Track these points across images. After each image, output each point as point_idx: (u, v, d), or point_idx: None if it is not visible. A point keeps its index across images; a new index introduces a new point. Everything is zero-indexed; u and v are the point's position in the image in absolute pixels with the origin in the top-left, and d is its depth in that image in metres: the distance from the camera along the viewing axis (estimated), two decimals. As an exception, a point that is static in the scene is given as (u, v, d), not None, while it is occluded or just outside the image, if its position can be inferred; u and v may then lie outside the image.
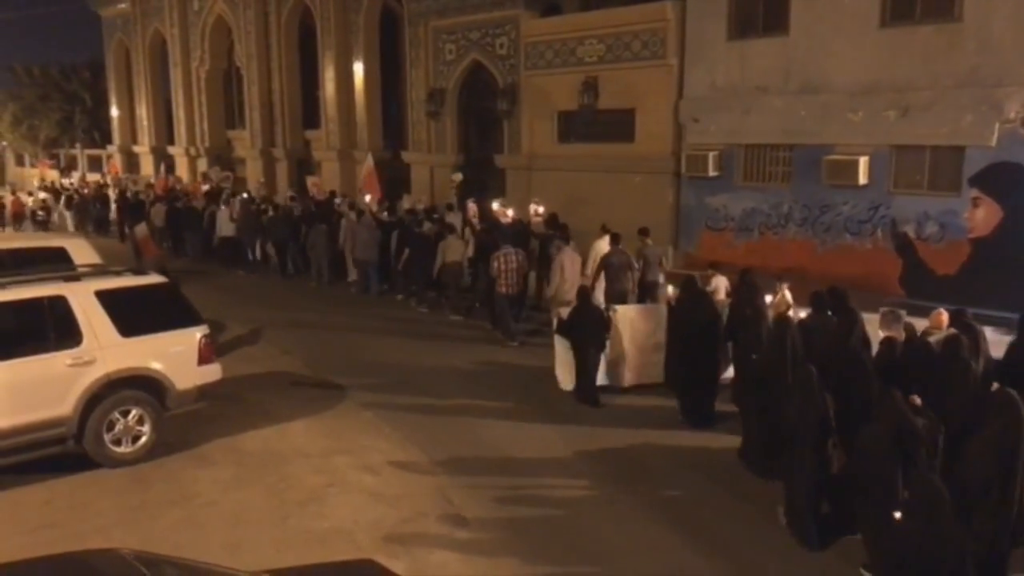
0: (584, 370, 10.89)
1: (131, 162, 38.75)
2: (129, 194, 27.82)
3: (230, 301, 16.51)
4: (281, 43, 28.50)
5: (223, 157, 31.63)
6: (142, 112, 36.96)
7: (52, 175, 41.56)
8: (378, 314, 15.97)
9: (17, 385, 8.13)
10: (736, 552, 7.17)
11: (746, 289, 10.91)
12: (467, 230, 16.80)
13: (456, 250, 15.45)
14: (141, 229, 19.98)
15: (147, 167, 36.58)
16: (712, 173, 16.23)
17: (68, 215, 27.92)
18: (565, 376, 11.27)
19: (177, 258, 21.65)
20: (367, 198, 20.65)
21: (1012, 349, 8.38)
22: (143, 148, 37.43)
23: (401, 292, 17.08)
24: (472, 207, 18.65)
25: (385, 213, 19.24)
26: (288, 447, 9.40)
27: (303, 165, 29.08)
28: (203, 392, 9.35)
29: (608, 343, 11.02)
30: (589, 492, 8.33)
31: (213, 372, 9.43)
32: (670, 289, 11.55)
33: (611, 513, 7.86)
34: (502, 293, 13.83)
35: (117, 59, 38.10)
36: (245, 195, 23.93)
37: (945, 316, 8.72)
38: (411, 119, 23.81)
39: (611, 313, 11.28)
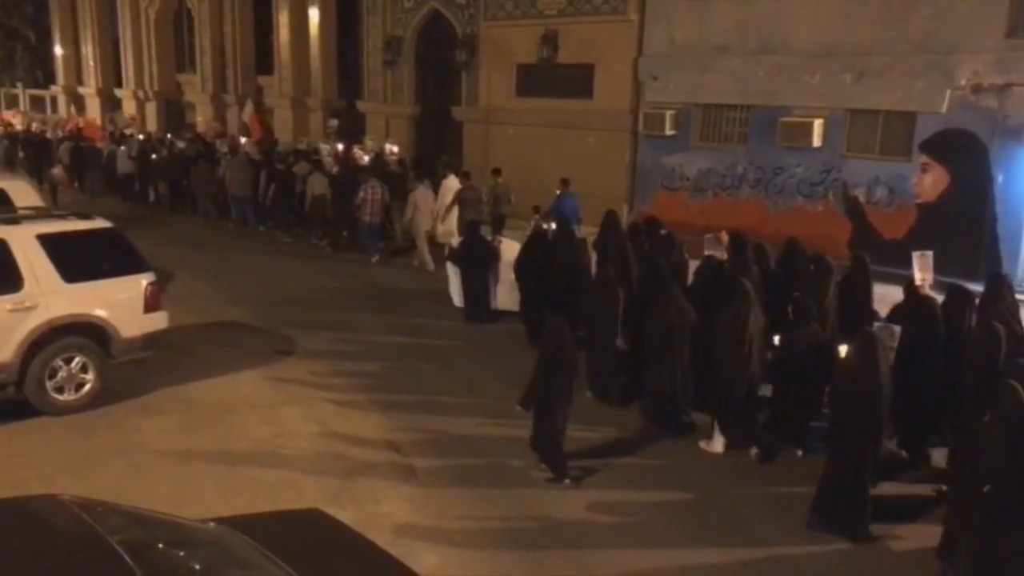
0: (472, 294, 12.42)
1: (77, 104, 37.59)
2: (35, 132, 28.66)
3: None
4: (234, -16, 27.71)
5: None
6: (88, 52, 35.73)
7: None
8: (265, 245, 17.60)
9: (-46, 330, 7.92)
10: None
11: (611, 229, 12.03)
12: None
13: (321, 185, 17.09)
14: (59, 171, 20.96)
15: (93, 109, 35.53)
16: (669, 132, 16.24)
17: None
18: (458, 296, 12.81)
19: (80, 194, 22.71)
20: (243, 140, 22.61)
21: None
22: (89, 89, 36.26)
23: (266, 224, 18.74)
24: (325, 148, 20.45)
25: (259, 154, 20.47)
26: (236, 397, 9.32)
27: (256, 111, 28.44)
28: (149, 340, 9.19)
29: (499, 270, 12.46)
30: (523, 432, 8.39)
31: (159, 320, 9.27)
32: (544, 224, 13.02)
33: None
34: (365, 220, 15.91)
35: (61, -5, 36.71)
36: (141, 136, 25.64)
37: (726, 236, 10.65)
38: (367, 68, 23.36)
39: (497, 243, 12.71)
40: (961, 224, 12.68)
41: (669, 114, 16.15)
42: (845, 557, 6.66)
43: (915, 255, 9.32)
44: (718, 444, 8.30)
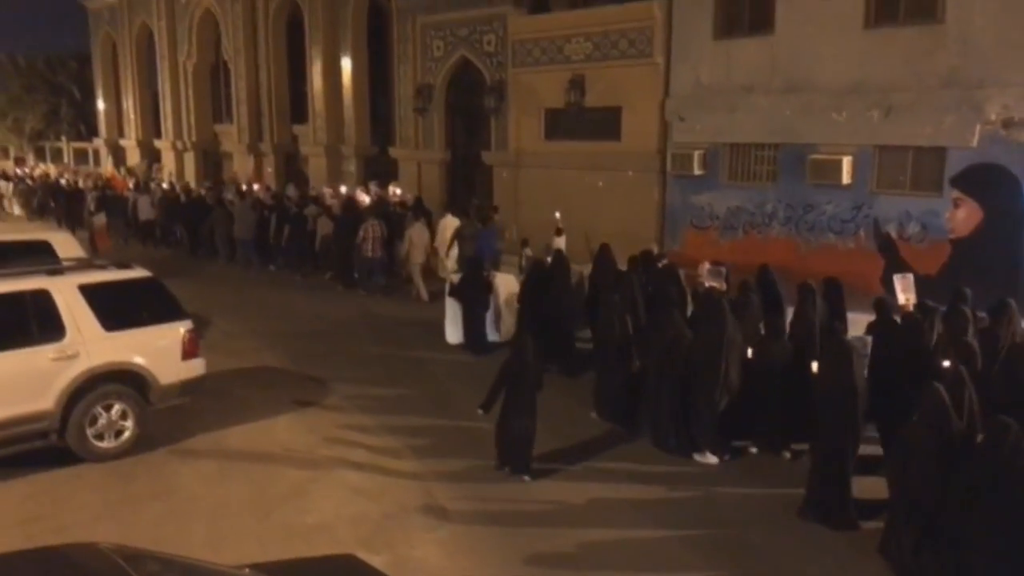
0: (472, 326, 13.05)
1: (117, 155, 38.68)
2: (66, 183, 30.77)
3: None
4: (268, 37, 28.43)
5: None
6: (129, 105, 36.80)
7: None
8: (277, 283, 18.87)
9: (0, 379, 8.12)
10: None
11: (604, 260, 13.18)
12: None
13: (328, 226, 18.52)
14: (99, 219, 21.72)
15: (133, 161, 36.54)
16: (697, 172, 16.30)
17: (14, 201, 30.84)
18: (452, 332, 13.46)
19: (112, 240, 23.74)
20: (256, 187, 24.44)
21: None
22: (130, 141, 37.28)
23: (276, 264, 20.02)
24: (327, 191, 22.27)
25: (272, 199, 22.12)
26: (271, 442, 9.44)
27: (291, 160, 29.10)
28: (186, 387, 9.36)
29: (492, 303, 13.24)
30: (559, 478, 8.43)
31: (197, 367, 9.45)
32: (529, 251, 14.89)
33: (595, 507, 7.95)
34: (367, 256, 16.86)
35: (104, 51, 37.92)
36: (165, 184, 27.42)
37: (707, 266, 11.57)
38: (399, 115, 23.78)
39: (492, 277, 13.44)
40: (995, 258, 12.53)
41: (697, 154, 16.22)
42: (812, 544, 7.32)
43: (896, 277, 10.22)
44: (711, 457, 8.97)
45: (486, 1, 20.18)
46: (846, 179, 14.15)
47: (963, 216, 13.05)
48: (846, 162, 14.09)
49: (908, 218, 13.67)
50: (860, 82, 13.96)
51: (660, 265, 12.98)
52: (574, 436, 9.66)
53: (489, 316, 13.21)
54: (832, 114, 14.28)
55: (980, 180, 12.81)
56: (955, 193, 13.08)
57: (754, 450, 9.24)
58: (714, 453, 8.94)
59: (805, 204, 14.91)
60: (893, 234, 13.84)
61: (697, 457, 8.98)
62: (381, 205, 19.88)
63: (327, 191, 22.27)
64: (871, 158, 14.02)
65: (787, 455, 9.06)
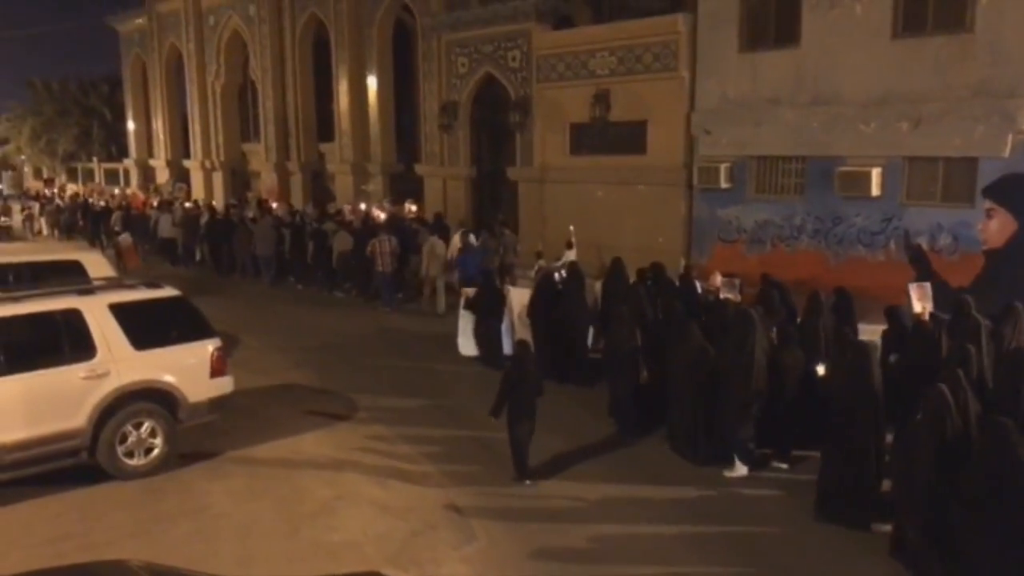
0: (487, 338, 13.29)
1: (147, 175, 39.28)
2: (93, 202, 31.82)
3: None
4: (296, 57, 28.75)
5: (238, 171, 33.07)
6: (158, 126, 37.36)
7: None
8: (296, 298, 19.57)
9: (32, 398, 8.22)
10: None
11: (615, 272, 13.41)
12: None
13: (346, 241, 19.00)
14: (125, 239, 22.11)
15: (162, 179, 37.10)
16: (724, 185, 16.19)
17: (43, 221, 31.51)
18: (465, 344, 13.74)
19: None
20: (275, 205, 25.22)
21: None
22: (159, 161, 37.81)
23: (301, 280, 20.58)
24: (347, 207, 22.97)
25: (290, 216, 22.99)
26: (299, 459, 9.46)
27: (318, 178, 29.35)
28: (215, 404, 9.41)
29: (505, 316, 13.33)
30: (577, 488, 8.46)
31: (225, 385, 9.50)
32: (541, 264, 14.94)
33: (618, 515, 7.87)
34: (379, 271, 17.37)
35: (134, 74, 38.54)
36: (188, 203, 28.10)
37: (719, 277, 12.20)
38: (424, 132, 23.91)
39: (506, 291, 13.62)
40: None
41: (724, 167, 16.12)
42: (823, 543, 7.45)
43: (912, 287, 10.40)
44: (741, 468, 8.88)
45: (510, 18, 20.27)
46: (875, 191, 13.99)
47: (996, 227, 12.83)
48: (875, 174, 13.93)
49: (939, 230, 13.48)
50: (888, 93, 13.81)
51: (679, 279, 13.14)
52: (589, 444, 9.81)
53: (504, 329, 13.28)
54: (860, 126, 14.13)
55: (1013, 190, 12.60)
56: (988, 204, 12.87)
57: (784, 466, 9.15)
58: (745, 463, 8.87)
59: (834, 216, 14.75)
60: (924, 246, 13.65)
61: (727, 473, 8.88)
62: (395, 221, 20.32)
63: (347, 208, 22.86)
64: (901, 169, 13.85)
65: (784, 465, 9.13)
